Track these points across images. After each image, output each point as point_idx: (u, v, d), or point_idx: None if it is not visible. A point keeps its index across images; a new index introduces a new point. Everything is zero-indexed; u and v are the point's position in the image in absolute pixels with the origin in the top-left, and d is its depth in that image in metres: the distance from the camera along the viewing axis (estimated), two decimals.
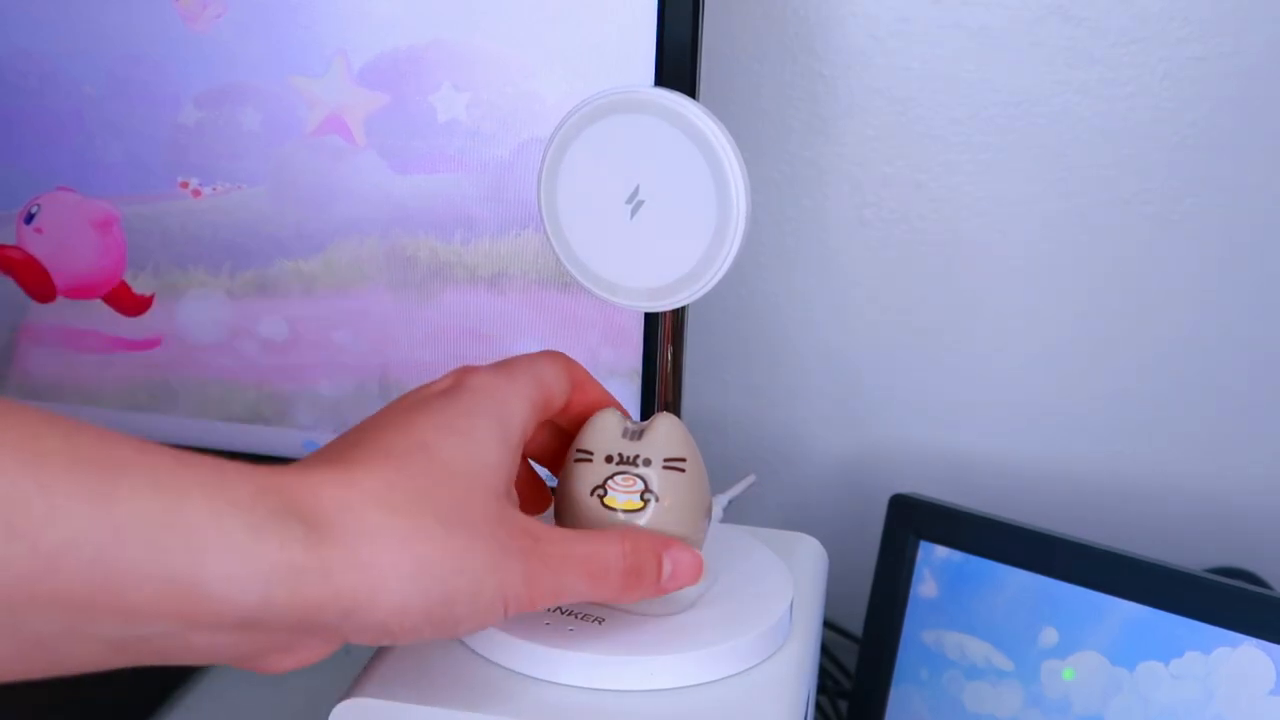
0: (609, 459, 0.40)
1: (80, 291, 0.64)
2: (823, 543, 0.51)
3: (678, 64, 0.55)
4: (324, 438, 0.62)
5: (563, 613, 0.40)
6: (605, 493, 0.39)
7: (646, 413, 0.59)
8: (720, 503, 0.55)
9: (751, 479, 0.57)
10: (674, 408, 0.58)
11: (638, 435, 0.40)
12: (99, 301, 0.64)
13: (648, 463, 0.40)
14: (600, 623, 0.40)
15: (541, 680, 0.38)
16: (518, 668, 0.39)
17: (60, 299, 0.64)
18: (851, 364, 0.72)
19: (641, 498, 0.39)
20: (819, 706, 0.66)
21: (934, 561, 0.57)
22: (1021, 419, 0.70)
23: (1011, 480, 0.71)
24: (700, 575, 0.39)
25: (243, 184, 0.61)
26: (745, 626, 0.40)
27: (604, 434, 0.40)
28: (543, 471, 0.44)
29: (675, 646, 0.39)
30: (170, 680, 0.65)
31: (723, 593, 0.42)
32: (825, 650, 0.69)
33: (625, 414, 0.42)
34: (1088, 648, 0.53)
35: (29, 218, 0.64)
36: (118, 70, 0.61)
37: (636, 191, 0.40)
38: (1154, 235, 0.66)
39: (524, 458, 0.42)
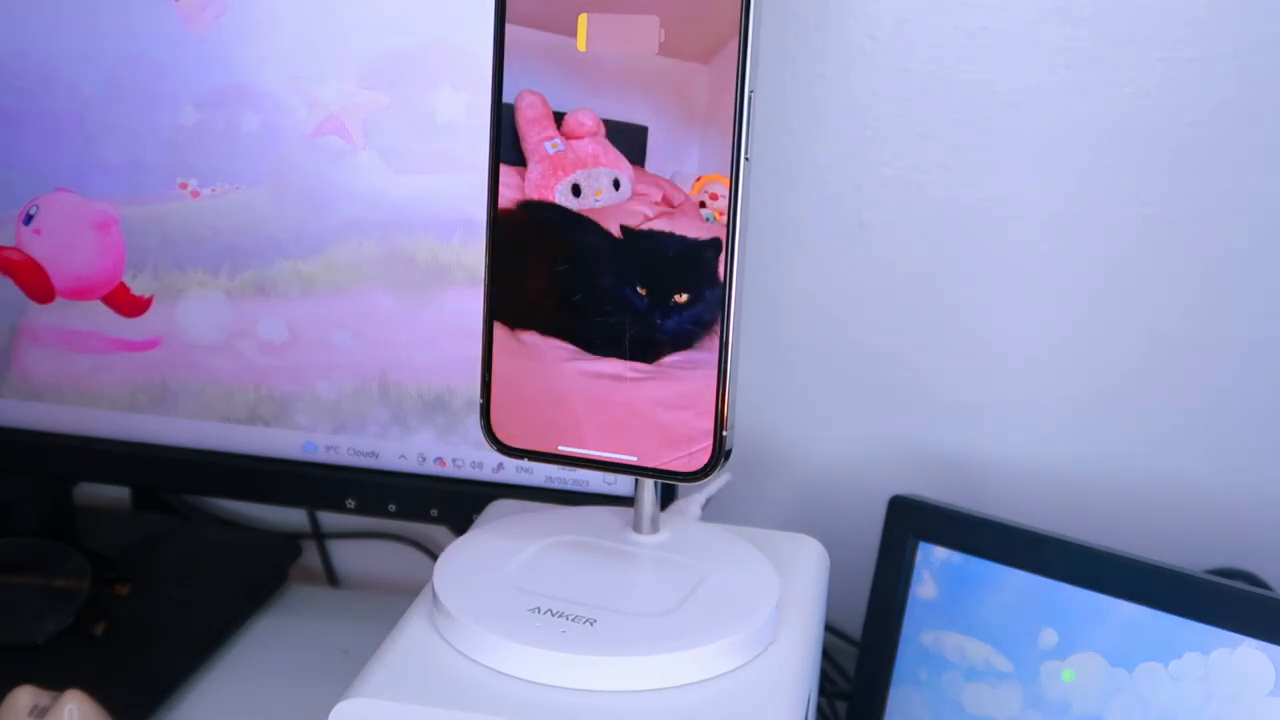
0: None
1: (79, 293, 0.64)
2: (822, 543, 0.51)
3: None
4: (323, 439, 0.62)
5: (554, 614, 0.40)
6: None
7: None
8: (698, 501, 0.55)
9: (727, 477, 0.57)
10: None
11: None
12: (98, 302, 0.64)
13: None
14: (592, 624, 0.40)
15: (536, 682, 0.38)
16: (512, 670, 0.39)
17: (59, 300, 0.64)
18: (851, 364, 0.72)
19: None
20: (818, 707, 0.66)
21: (933, 562, 0.57)
22: (1022, 419, 0.70)
23: (1011, 480, 0.71)
24: None
25: (242, 185, 0.61)
26: (735, 625, 0.40)
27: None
28: None
29: (666, 646, 0.39)
30: (170, 680, 0.65)
31: (711, 592, 0.43)
32: (823, 651, 0.68)
33: None
34: (1087, 649, 0.53)
35: (28, 219, 0.64)
36: (117, 72, 0.61)
37: None
38: (1154, 235, 0.66)
39: None
